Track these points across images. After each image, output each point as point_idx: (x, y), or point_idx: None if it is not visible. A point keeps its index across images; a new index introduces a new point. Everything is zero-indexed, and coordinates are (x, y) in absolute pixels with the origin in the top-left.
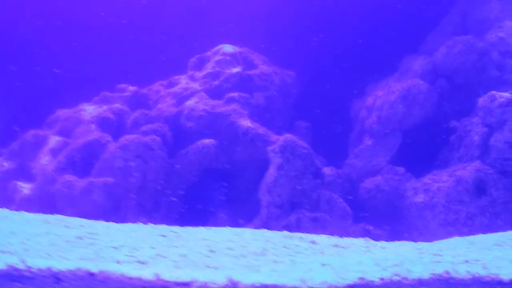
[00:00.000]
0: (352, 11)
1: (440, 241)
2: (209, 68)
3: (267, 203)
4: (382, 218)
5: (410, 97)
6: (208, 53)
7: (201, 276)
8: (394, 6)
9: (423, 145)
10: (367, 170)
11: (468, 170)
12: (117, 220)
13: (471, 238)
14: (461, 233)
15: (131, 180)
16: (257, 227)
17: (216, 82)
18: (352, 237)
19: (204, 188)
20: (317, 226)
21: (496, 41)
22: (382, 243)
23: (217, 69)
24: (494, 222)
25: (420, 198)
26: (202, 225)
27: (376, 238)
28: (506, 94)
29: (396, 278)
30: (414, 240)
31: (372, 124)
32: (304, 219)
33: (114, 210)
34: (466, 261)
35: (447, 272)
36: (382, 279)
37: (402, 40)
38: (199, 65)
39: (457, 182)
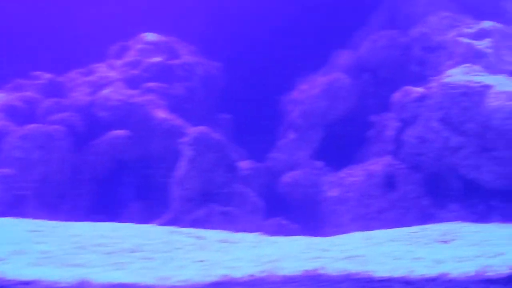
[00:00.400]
0: (283, 5)
1: (337, 236)
2: (129, 56)
3: (178, 197)
4: (300, 212)
5: (333, 92)
6: (131, 42)
7: (51, 274)
8: (324, 1)
9: (345, 140)
10: (289, 164)
11: (379, 165)
12: (17, 214)
13: (370, 233)
14: (372, 228)
15: (31, 172)
16: (167, 221)
17: (135, 71)
18: (264, 231)
19: (116, 180)
20: (227, 220)
21: (418, 36)
22: (275, 238)
23: (138, 58)
24: (404, 217)
25: (334, 192)
26: (112, 219)
27: (290, 233)
28: (419, 89)
29: (265, 274)
30: (327, 235)
31: (296, 118)
32: (213, 213)
33: (13, 204)
34: (348, 257)
35: (320, 269)
36: (251, 275)
37: (332, 35)
38: (120, 53)
39: (368, 176)
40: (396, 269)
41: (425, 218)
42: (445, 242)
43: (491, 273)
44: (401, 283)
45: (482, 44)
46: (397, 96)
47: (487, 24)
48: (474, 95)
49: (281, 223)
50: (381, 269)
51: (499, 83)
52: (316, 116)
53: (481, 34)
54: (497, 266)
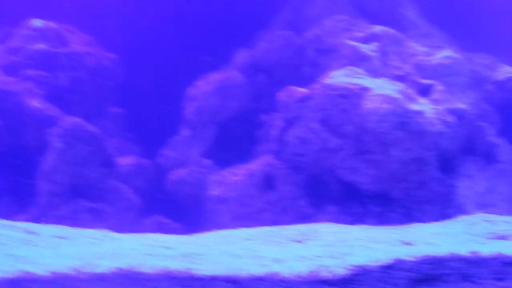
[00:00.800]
0: (190, 2)
1: (197, 234)
2: (12, 42)
3: (44, 191)
4: (185, 211)
5: (226, 89)
6: (16, 28)
7: None
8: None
9: (237, 139)
10: (179, 161)
11: (258, 165)
12: None
13: (230, 231)
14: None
15: None
16: (33, 216)
17: (16, 58)
18: (140, 230)
19: None
20: (95, 217)
21: (312, 38)
22: (119, 235)
23: (21, 44)
24: (282, 218)
25: (216, 191)
26: None
27: (170, 231)
28: (303, 90)
29: (72, 272)
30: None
31: (189, 115)
32: (80, 210)
33: None
34: (184, 255)
35: (137, 267)
36: (53, 272)
37: (235, 33)
38: (3, 39)
39: (248, 176)
40: (229, 268)
41: (302, 219)
42: (299, 241)
43: (325, 274)
44: (226, 282)
45: (368, 48)
46: (281, 96)
47: (377, 28)
48: (353, 97)
49: (161, 221)
50: (212, 268)
51: (378, 86)
52: (208, 113)
53: (370, 38)
54: (336, 266)
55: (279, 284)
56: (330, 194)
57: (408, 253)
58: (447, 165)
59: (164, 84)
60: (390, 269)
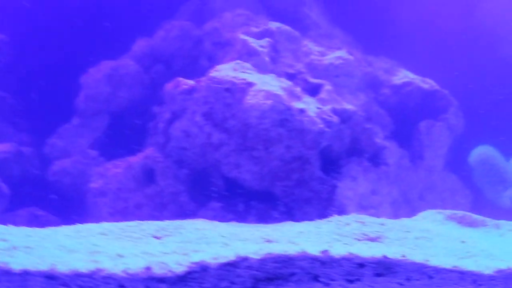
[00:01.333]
0: None
1: (58, 227)
2: None
3: None
4: (65, 203)
5: (116, 78)
6: None
7: None
8: None
9: (129, 129)
10: (65, 151)
11: (138, 157)
12: None
13: (88, 226)
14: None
15: None
16: None
17: None
18: (7, 222)
19: None
20: None
21: (210, 31)
22: None
23: None
24: (161, 213)
25: (96, 184)
26: None
27: (43, 224)
28: (190, 82)
29: None
30: None
31: (80, 103)
32: None
33: None
34: (12, 248)
35: None
36: None
37: (140, 22)
38: None
39: (127, 169)
40: (53, 263)
41: (183, 215)
42: (157, 237)
43: (160, 271)
44: (44, 277)
45: (259, 43)
46: (168, 87)
47: (273, 25)
48: (237, 92)
49: (35, 214)
50: (30, 262)
51: (263, 82)
52: (99, 102)
53: (264, 34)
54: (177, 264)
55: (102, 280)
56: (214, 190)
57: (262, 251)
58: (330, 165)
59: (58, 70)
60: (233, 267)
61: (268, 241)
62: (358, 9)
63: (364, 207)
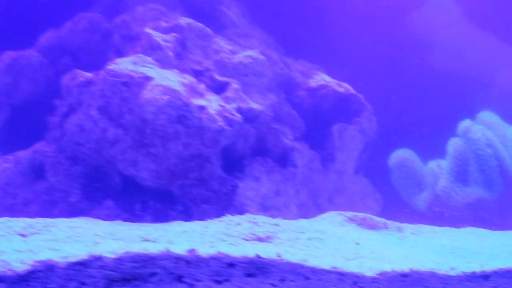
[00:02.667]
0: None
1: None
2: None
3: None
4: None
5: (17, 68)
6: None
7: None
8: None
9: (32, 122)
10: None
11: (27, 152)
12: None
13: None
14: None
15: None
16: None
17: None
18: None
19: None
20: None
21: (120, 24)
22: None
23: None
24: (50, 211)
25: None
26: None
27: None
28: (87, 74)
29: None
30: None
31: None
32: None
33: None
34: None
35: None
36: None
37: (53, 14)
38: None
39: (15, 163)
40: None
41: (75, 213)
42: (23, 235)
43: (1, 269)
44: None
45: (165, 38)
46: (65, 79)
47: (184, 20)
48: (135, 86)
49: None
50: None
51: (163, 76)
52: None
53: (173, 29)
54: (20, 262)
55: None
56: (109, 188)
57: (120, 250)
58: (233, 164)
59: None
60: (84, 267)
61: (146, 240)
62: (280, 10)
63: (266, 208)
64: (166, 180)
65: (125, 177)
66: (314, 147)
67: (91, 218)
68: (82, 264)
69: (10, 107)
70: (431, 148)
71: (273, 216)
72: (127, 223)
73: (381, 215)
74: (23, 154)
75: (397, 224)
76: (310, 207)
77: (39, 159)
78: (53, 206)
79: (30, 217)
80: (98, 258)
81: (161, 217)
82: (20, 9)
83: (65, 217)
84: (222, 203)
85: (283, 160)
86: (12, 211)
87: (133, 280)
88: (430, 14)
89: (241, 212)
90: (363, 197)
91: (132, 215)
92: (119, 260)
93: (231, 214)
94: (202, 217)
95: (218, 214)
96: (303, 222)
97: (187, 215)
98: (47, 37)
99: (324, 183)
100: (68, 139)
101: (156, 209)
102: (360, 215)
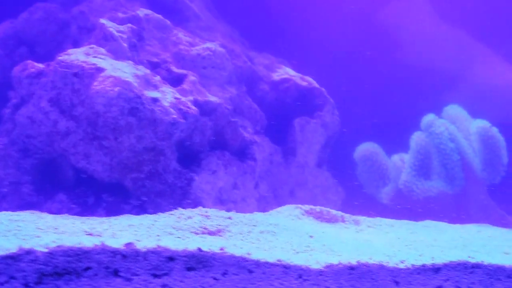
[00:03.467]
0: None
1: None
2: None
3: None
4: None
5: None
6: None
7: None
8: None
9: None
10: None
11: None
12: None
13: None
14: None
15: None
16: None
17: None
18: None
19: None
20: None
21: (77, 14)
22: None
23: None
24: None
25: None
26: None
27: None
28: (39, 65)
29: None
30: None
31: None
32: None
33: None
34: None
35: None
36: None
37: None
38: None
39: None
40: None
41: (25, 207)
42: None
43: None
44: None
45: (120, 29)
46: (16, 70)
47: (142, 12)
48: (86, 77)
49: None
50: None
51: (115, 68)
52: None
53: (130, 20)
54: None
55: None
56: (61, 182)
57: (53, 244)
58: (188, 158)
59: None
60: (15, 260)
61: (90, 234)
62: (245, 4)
63: (223, 202)
64: (120, 173)
65: (77, 170)
66: (275, 140)
67: (37, 212)
68: (12, 258)
69: None
70: (398, 142)
71: (229, 210)
72: (74, 216)
73: (342, 208)
74: None
75: (355, 217)
76: (270, 200)
77: None
78: (2, 199)
79: None
80: (29, 252)
81: (114, 211)
82: None
83: (13, 211)
84: (177, 197)
85: (242, 153)
86: None
87: (66, 275)
88: (400, 9)
89: (196, 205)
90: (325, 191)
91: (85, 209)
92: (51, 254)
93: (186, 208)
94: (156, 211)
95: (173, 208)
96: (257, 215)
97: (141, 209)
98: (2, 28)
99: (285, 176)
100: (19, 131)
101: (109, 203)
102: (317, 208)
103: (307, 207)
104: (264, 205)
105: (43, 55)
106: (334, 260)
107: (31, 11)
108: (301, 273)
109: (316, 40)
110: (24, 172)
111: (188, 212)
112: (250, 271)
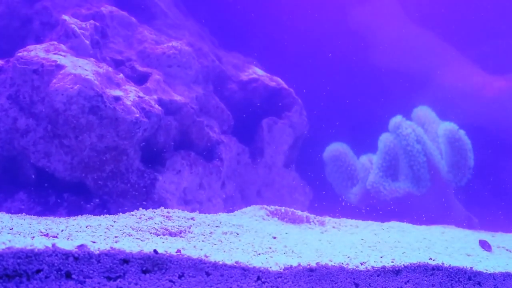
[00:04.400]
0: None
1: None
2: None
3: None
4: None
5: None
6: None
7: None
8: None
9: None
10: None
11: None
12: None
13: None
14: None
15: None
16: None
17: None
18: None
19: None
20: None
21: (40, 10)
22: None
23: None
24: None
25: None
26: None
27: None
28: None
29: None
30: None
31: None
32: None
33: None
34: None
35: None
36: None
37: None
38: None
39: None
40: None
41: None
42: None
43: None
44: None
45: (82, 25)
46: None
47: (106, 8)
48: (46, 74)
49: None
50: None
51: (76, 65)
52: None
53: (94, 17)
54: None
55: None
56: (21, 180)
57: (3, 246)
58: (152, 157)
59: None
60: None
61: (45, 235)
62: (214, 2)
63: (188, 202)
64: (81, 172)
65: (38, 169)
66: (243, 140)
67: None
68: None
69: None
70: (367, 143)
71: (194, 210)
72: (31, 216)
73: (310, 209)
74: None
75: (320, 218)
76: (237, 201)
77: None
78: None
79: None
80: None
81: (76, 210)
82: None
83: None
84: (140, 197)
85: (209, 153)
86: None
87: (16, 277)
88: (371, 10)
89: (160, 206)
90: (292, 191)
91: (46, 208)
92: (1, 256)
93: (148, 208)
94: (118, 211)
95: (136, 208)
96: (221, 216)
97: (103, 209)
98: None
99: (253, 176)
100: None
101: (70, 202)
102: (282, 209)
103: (272, 207)
104: (230, 205)
105: (4, 50)
106: (294, 262)
107: None
108: (260, 275)
109: (286, 40)
110: None
111: (149, 212)
112: (208, 274)
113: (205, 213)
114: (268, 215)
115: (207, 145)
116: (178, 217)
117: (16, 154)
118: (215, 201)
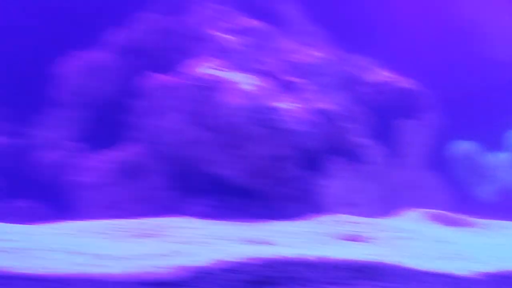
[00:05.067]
0: None
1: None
2: None
3: None
4: (50, 195)
5: (95, 70)
6: None
7: None
8: None
9: (109, 122)
10: (46, 143)
11: (125, 152)
12: None
13: (84, 223)
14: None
15: None
16: None
17: None
18: None
19: None
20: None
21: (182, 24)
22: None
23: None
24: (147, 208)
25: (83, 177)
26: None
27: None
28: (169, 78)
29: None
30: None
31: (58, 95)
32: None
33: None
34: None
35: None
36: None
37: (111, 13)
38: None
39: (113, 163)
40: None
41: (165, 211)
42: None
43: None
44: None
45: (236, 41)
46: (147, 82)
47: (248, 21)
48: (217, 90)
49: (21, 206)
50: None
51: (241, 80)
52: (79, 94)
53: (240, 31)
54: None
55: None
56: (196, 187)
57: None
58: (311, 163)
59: (27, 60)
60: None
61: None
62: (335, 7)
63: (345, 206)
64: (250, 179)
65: (210, 177)
66: (383, 142)
67: (189, 218)
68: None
69: (87, 107)
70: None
71: (353, 213)
72: (222, 222)
73: (451, 209)
74: (121, 155)
75: (480, 220)
76: (387, 202)
77: (135, 160)
78: (149, 204)
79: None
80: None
81: (245, 214)
82: (79, 9)
83: (157, 215)
84: (304, 202)
85: (356, 157)
86: (110, 208)
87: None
88: None
89: (323, 210)
90: (432, 191)
91: (218, 212)
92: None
93: (314, 212)
94: (285, 215)
95: (301, 212)
96: (387, 220)
97: (271, 214)
98: (115, 37)
99: (396, 178)
100: (158, 140)
101: (239, 208)
102: (441, 212)
103: (431, 211)
104: (382, 207)
105: (149, 64)
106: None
107: (140, 21)
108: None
109: (414, 41)
110: (163, 178)
111: (336, 218)
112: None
113: (364, 216)
114: (428, 219)
115: (353, 149)
116: (353, 222)
117: (191, 162)
118: (369, 203)
